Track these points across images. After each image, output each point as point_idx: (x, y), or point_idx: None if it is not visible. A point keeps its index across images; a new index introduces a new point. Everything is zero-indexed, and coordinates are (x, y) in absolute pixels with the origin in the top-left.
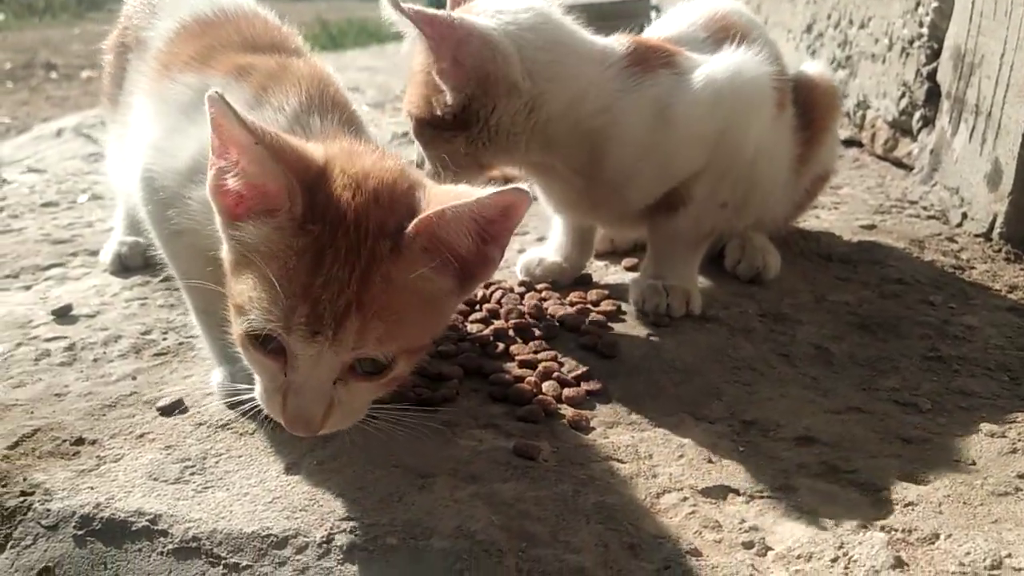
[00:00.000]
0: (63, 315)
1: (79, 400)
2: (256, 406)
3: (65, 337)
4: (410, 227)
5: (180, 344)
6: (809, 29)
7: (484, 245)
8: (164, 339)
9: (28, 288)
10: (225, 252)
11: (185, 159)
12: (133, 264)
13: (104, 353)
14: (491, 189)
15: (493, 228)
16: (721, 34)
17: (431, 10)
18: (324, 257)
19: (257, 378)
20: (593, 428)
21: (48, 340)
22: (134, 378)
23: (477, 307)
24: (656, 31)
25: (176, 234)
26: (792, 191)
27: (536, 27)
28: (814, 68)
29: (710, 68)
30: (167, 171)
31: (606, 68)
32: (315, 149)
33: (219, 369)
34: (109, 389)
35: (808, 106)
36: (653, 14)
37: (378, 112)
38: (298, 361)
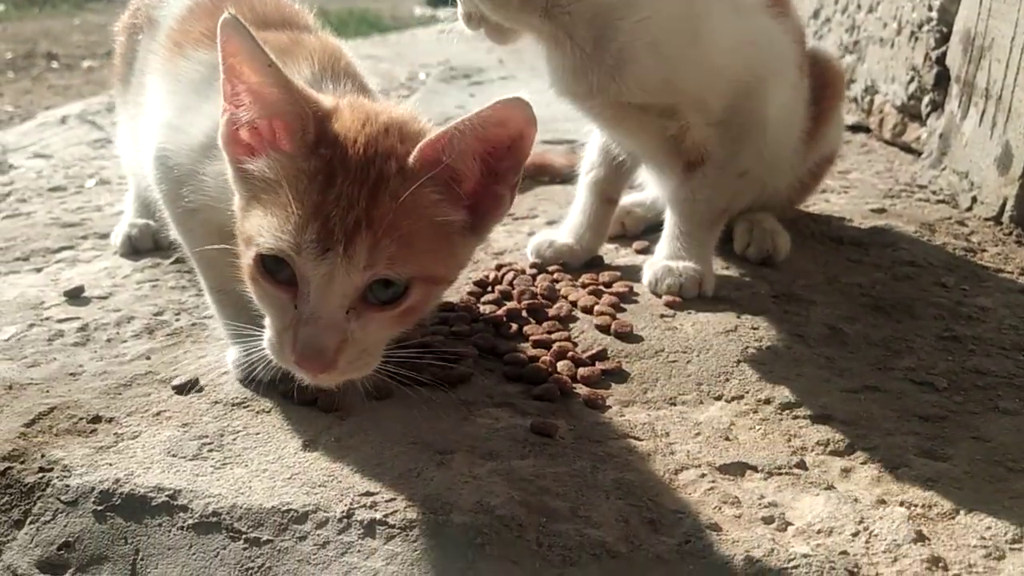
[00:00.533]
0: (75, 296)
1: (94, 379)
2: (273, 375)
3: (78, 318)
4: (415, 150)
5: (193, 325)
6: (816, 15)
7: (494, 183)
8: (177, 320)
9: (39, 270)
10: (236, 200)
11: (198, 135)
12: (143, 246)
13: (117, 333)
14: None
15: (501, 165)
16: None
17: None
18: (335, 178)
19: (267, 324)
20: (609, 407)
21: (61, 321)
22: (148, 358)
23: (490, 288)
24: None
25: (190, 212)
26: (799, 167)
27: None
28: (826, 48)
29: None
30: (181, 148)
31: None
32: (325, 98)
33: (234, 348)
34: (124, 368)
35: (820, 81)
36: None
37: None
38: (310, 285)
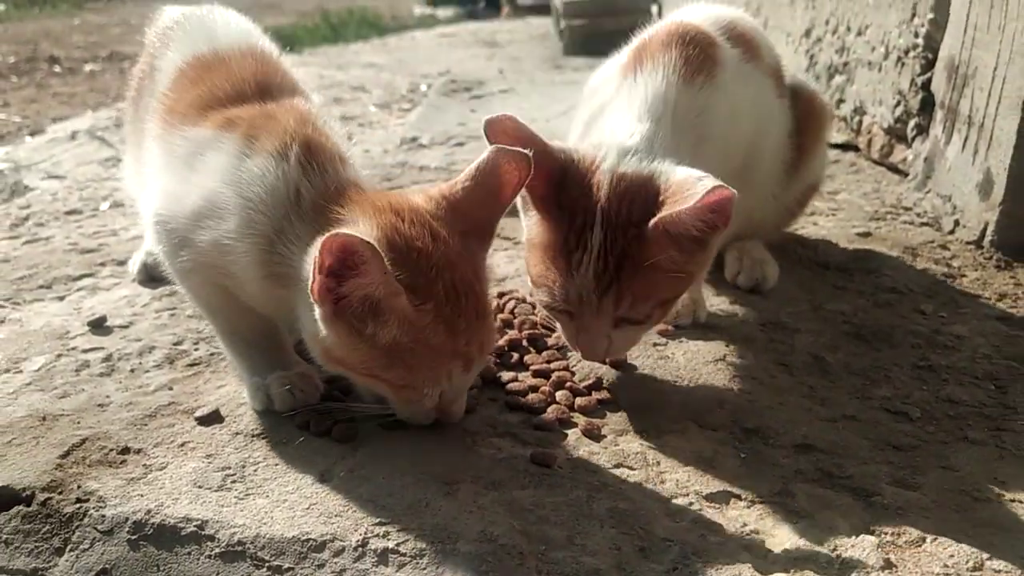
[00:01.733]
0: (98, 326)
1: (121, 410)
2: (289, 407)
3: (102, 348)
4: None
5: (211, 355)
6: (808, 33)
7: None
8: (195, 349)
9: (62, 299)
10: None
11: (190, 205)
12: (159, 274)
13: (140, 364)
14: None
15: None
16: (733, 38)
17: None
18: None
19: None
20: (604, 436)
21: (86, 351)
22: (170, 388)
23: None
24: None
25: (189, 270)
26: (783, 196)
27: None
28: (811, 83)
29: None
30: (176, 215)
31: None
32: None
33: (250, 381)
34: (148, 399)
35: (804, 114)
36: (654, 8)
37: (385, 113)
38: None
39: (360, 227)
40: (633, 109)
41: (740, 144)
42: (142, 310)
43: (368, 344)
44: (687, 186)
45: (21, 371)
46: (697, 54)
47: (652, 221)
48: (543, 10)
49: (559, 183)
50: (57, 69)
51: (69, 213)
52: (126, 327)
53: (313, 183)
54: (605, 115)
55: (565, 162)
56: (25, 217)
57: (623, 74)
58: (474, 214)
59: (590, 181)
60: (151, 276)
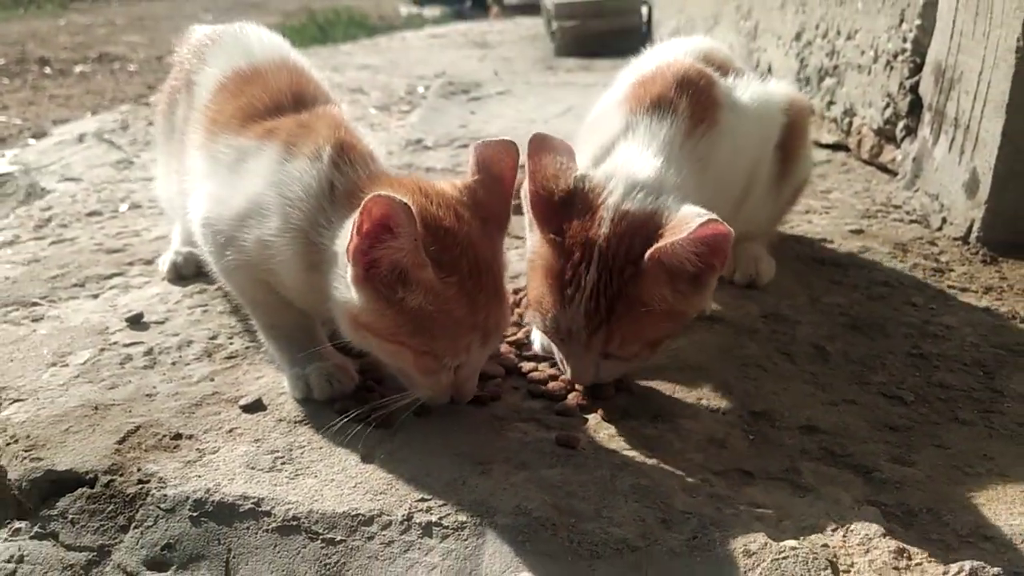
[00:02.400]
0: (136, 322)
1: (168, 400)
2: (328, 396)
3: (142, 343)
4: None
5: (247, 348)
6: (798, 37)
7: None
8: (231, 343)
9: (96, 296)
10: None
11: (236, 207)
12: (188, 273)
13: (180, 357)
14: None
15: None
16: (715, 68)
17: None
18: None
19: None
20: (622, 421)
21: (127, 345)
22: (212, 379)
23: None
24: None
25: (234, 268)
26: (776, 200)
27: None
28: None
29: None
30: (222, 217)
31: None
32: None
33: (290, 372)
34: (192, 389)
35: (787, 120)
36: (644, 9)
37: (385, 115)
38: None
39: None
40: (644, 145)
41: (744, 171)
42: (175, 307)
43: (395, 309)
44: (685, 220)
45: (68, 364)
46: (703, 100)
47: (648, 252)
48: (530, 10)
49: (565, 207)
50: (48, 71)
51: (90, 215)
52: (162, 323)
53: (346, 177)
54: (617, 149)
55: (576, 187)
56: (48, 219)
57: (629, 109)
58: (488, 203)
59: (593, 214)
60: (180, 275)
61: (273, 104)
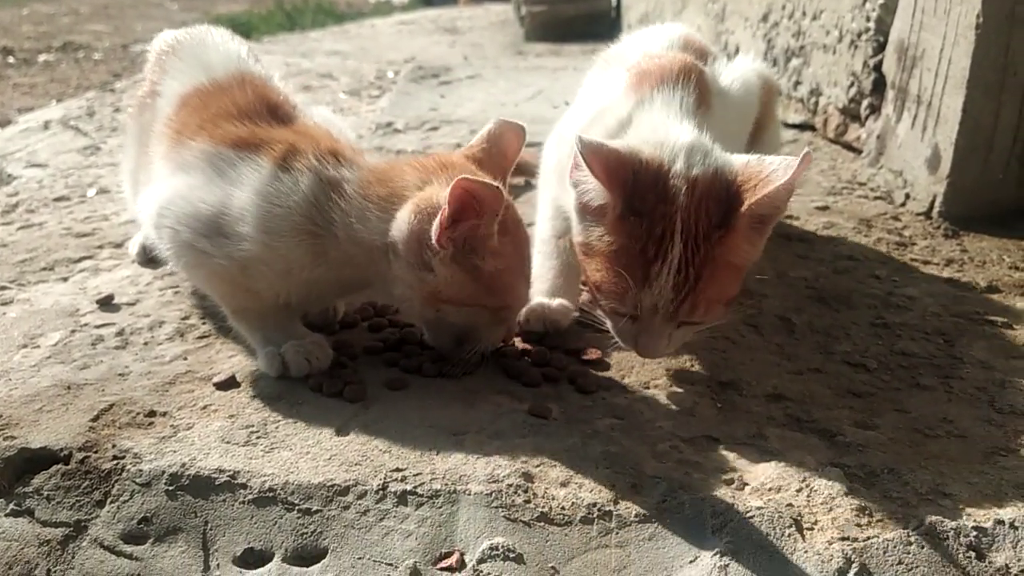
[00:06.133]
0: (106, 304)
1: (141, 379)
2: (304, 373)
3: (113, 324)
4: None
5: (219, 328)
6: (765, 18)
7: None
8: (203, 323)
9: (65, 280)
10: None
11: (205, 212)
12: (157, 256)
13: (152, 337)
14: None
15: None
16: (696, 54)
17: None
18: None
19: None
20: (593, 391)
21: (98, 327)
22: (185, 358)
23: None
24: (638, 50)
25: (198, 266)
26: None
27: None
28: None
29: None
30: (186, 215)
31: None
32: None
33: (263, 352)
34: (165, 368)
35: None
36: None
37: (355, 100)
38: None
39: (442, 182)
40: (667, 114)
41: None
42: (146, 288)
43: (473, 276)
44: (764, 171)
45: (39, 346)
46: (699, 86)
47: (742, 208)
48: None
49: (632, 189)
50: (11, 60)
51: (57, 200)
52: (133, 304)
53: (351, 177)
54: (637, 122)
55: (635, 166)
56: (15, 204)
57: (638, 90)
58: (491, 172)
59: (664, 185)
60: (150, 258)
61: (242, 115)
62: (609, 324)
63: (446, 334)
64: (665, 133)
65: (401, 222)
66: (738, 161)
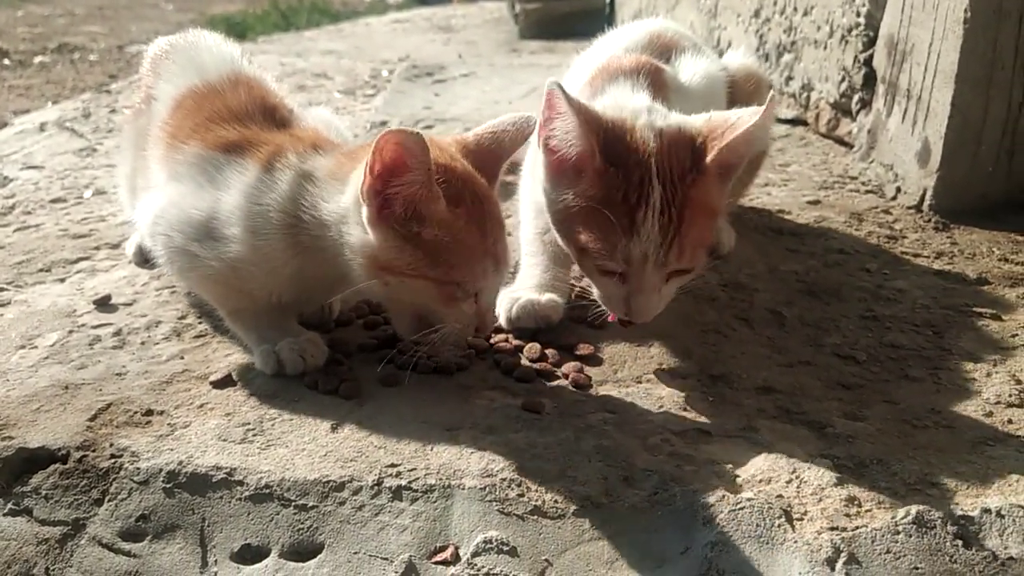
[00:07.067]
0: (103, 304)
1: (138, 378)
2: (299, 371)
3: (110, 324)
4: None
5: (216, 327)
6: (757, 14)
7: None
8: (200, 323)
9: (62, 280)
10: None
11: (196, 217)
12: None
13: (149, 336)
14: None
15: None
16: (660, 50)
17: None
18: None
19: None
20: (587, 386)
21: (96, 327)
22: (182, 357)
23: None
24: (605, 52)
25: (185, 271)
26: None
27: None
28: (734, 60)
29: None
30: (178, 221)
31: None
32: None
33: (259, 350)
34: (162, 368)
35: (732, 100)
36: None
37: (350, 99)
38: None
39: None
40: (629, 90)
41: None
42: (143, 289)
43: (413, 244)
44: (721, 122)
45: (36, 347)
46: (655, 81)
47: (711, 153)
48: None
49: (605, 140)
50: (7, 62)
51: (54, 201)
52: (130, 304)
53: (324, 163)
54: (601, 98)
55: (603, 122)
56: (11, 206)
57: (599, 81)
58: (482, 159)
59: (634, 137)
60: (146, 259)
61: (235, 117)
62: (597, 294)
63: (404, 315)
64: (623, 103)
65: (350, 186)
66: (699, 118)
